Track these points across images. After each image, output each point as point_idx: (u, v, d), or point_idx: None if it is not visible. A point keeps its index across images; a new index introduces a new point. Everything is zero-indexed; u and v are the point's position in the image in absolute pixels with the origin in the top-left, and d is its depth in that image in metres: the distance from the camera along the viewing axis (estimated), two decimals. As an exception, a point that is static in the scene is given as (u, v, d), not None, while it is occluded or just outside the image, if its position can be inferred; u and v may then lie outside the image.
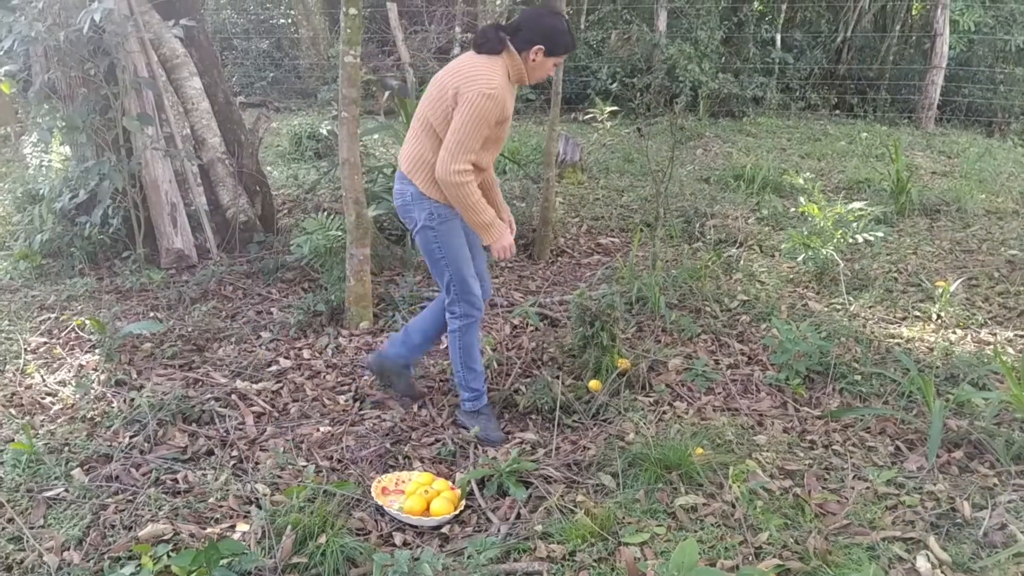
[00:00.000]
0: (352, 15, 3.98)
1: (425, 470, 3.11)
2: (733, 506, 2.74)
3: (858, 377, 3.75)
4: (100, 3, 4.44)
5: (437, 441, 3.31)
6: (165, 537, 2.59)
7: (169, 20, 5.04)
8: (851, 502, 2.80)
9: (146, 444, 3.16)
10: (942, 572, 2.43)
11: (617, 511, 2.70)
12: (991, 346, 4.06)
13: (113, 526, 2.66)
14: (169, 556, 2.46)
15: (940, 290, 4.53)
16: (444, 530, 2.74)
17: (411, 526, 2.75)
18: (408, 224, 3.23)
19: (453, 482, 2.98)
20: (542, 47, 2.99)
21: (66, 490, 2.84)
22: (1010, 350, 4.04)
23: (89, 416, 3.36)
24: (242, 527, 2.64)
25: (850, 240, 5.02)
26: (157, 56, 5.09)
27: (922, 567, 2.45)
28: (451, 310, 3.28)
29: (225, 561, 2.34)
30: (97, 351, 3.93)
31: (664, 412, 3.49)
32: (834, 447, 3.24)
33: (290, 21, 14.25)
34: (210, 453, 3.14)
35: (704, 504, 2.77)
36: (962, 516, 2.74)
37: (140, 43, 4.89)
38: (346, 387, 3.74)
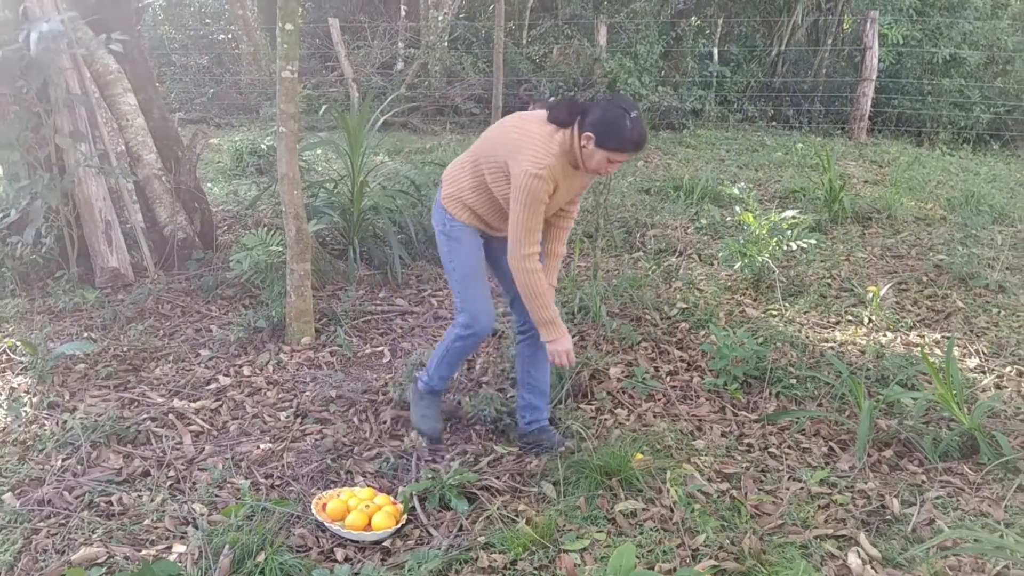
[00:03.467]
0: (289, 30, 3.97)
1: (368, 485, 3.10)
2: (671, 510, 2.79)
3: (793, 381, 3.84)
4: (48, 23, 4.38)
5: (379, 456, 3.30)
6: (99, 561, 2.54)
7: (102, 35, 4.96)
8: (786, 502, 2.86)
9: (79, 467, 3.09)
10: (872, 568, 2.50)
11: (558, 519, 2.72)
12: (919, 348, 4.20)
13: (45, 550, 2.59)
14: (103, 580, 2.41)
15: (871, 295, 4.67)
16: (386, 544, 2.74)
17: (352, 541, 2.74)
18: (433, 225, 3.20)
19: (395, 496, 2.97)
20: (592, 135, 2.77)
21: (-5, 516, 2.76)
22: (937, 351, 4.18)
23: (21, 439, 3.27)
24: (179, 548, 2.60)
25: (785, 248, 5.15)
26: (90, 72, 5.00)
27: (853, 563, 2.51)
28: (457, 318, 3.21)
29: (161, 582, 2.31)
30: (29, 373, 3.83)
31: (605, 419, 3.53)
32: (770, 449, 3.31)
33: (230, 36, 14.09)
34: (146, 474, 3.09)
35: (643, 509, 2.81)
36: (892, 513, 2.82)
37: (72, 59, 4.80)
38: (287, 403, 3.71)
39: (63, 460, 3.13)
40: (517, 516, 2.76)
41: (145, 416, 3.47)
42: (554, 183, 2.84)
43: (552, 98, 11.50)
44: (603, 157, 2.80)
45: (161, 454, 3.21)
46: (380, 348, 4.32)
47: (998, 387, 3.82)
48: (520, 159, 2.79)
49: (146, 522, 2.76)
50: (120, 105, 5.18)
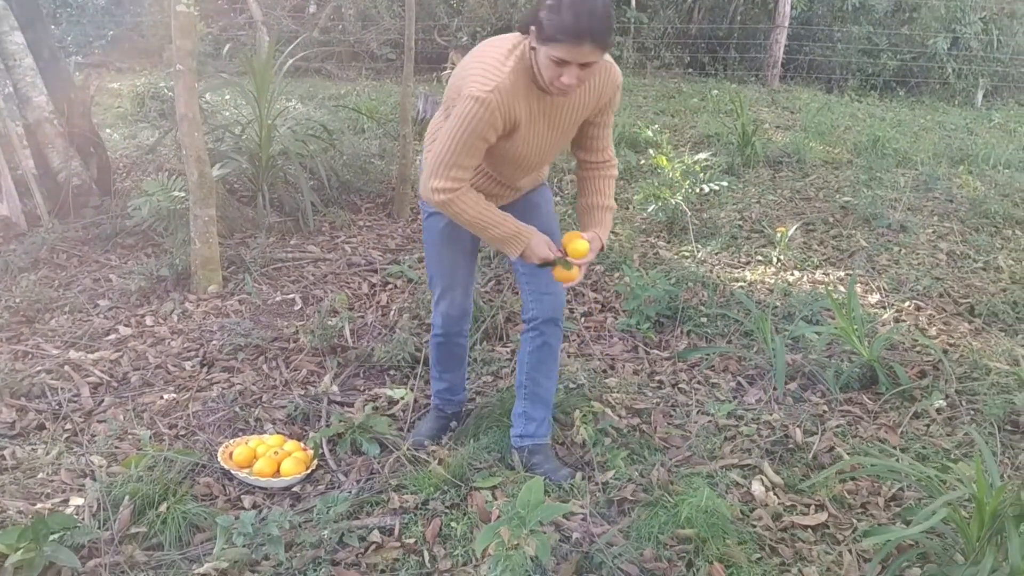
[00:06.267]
0: (182, -39, 3.76)
1: (278, 432, 3.03)
2: (583, 447, 2.81)
3: (704, 319, 3.90)
4: None
5: (289, 403, 3.23)
6: (-10, 517, 2.43)
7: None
8: (694, 435, 2.92)
9: (-32, 422, 2.94)
10: (774, 494, 2.58)
11: (470, 459, 2.72)
12: (824, 285, 4.31)
13: (-70, 509, 2.46)
14: (-6, 535, 2.31)
15: (780, 235, 4.76)
16: (296, 490, 2.69)
17: (261, 488, 2.68)
18: None
19: (305, 443, 2.92)
20: (534, 27, 2.05)
21: None
22: (841, 288, 4.30)
23: (-98, 396, 3.09)
24: (76, 501, 2.50)
25: (698, 190, 5.20)
26: (-30, 7, 4.68)
27: (756, 490, 2.59)
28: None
29: (56, 536, 2.21)
30: (-89, 328, 3.61)
31: (520, 361, 3.53)
32: (680, 385, 3.37)
33: (130, -24, 13.36)
34: (41, 427, 2.95)
35: (557, 445, 2.82)
36: (794, 442, 2.91)
37: (-53, -8, 4.47)
38: (193, 353, 3.59)
39: (-50, 416, 2.97)
40: (429, 457, 2.74)
41: (40, 368, 3.31)
42: (506, 116, 2.15)
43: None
44: (547, 59, 2.03)
45: (57, 407, 3.07)
46: (291, 296, 4.21)
47: (897, 321, 3.95)
48: (466, 81, 2.14)
49: (40, 475, 2.64)
50: (6, 44, 4.85)
